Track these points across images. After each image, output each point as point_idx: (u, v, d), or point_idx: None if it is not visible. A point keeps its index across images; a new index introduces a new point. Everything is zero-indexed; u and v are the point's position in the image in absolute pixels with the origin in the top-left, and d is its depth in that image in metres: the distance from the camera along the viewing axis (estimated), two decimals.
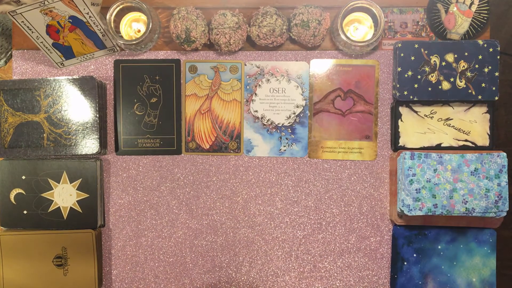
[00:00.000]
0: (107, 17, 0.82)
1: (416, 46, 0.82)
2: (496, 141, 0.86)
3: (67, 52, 0.86)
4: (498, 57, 0.81)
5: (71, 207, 0.85)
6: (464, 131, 0.84)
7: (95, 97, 0.84)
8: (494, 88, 0.82)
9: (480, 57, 0.81)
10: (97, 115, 0.84)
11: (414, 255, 0.83)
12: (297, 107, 0.87)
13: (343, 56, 0.87)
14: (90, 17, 0.81)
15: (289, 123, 0.87)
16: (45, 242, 0.84)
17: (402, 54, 0.82)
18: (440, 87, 0.82)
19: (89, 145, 0.84)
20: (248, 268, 0.87)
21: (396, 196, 0.82)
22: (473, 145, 0.84)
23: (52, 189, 0.85)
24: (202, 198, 0.88)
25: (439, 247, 0.83)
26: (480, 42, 0.82)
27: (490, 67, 0.81)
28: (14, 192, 0.85)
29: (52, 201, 0.85)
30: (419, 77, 0.82)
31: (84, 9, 0.79)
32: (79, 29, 0.83)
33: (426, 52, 0.82)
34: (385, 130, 0.87)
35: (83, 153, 0.84)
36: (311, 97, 0.87)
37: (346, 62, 0.87)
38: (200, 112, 0.88)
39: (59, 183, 0.85)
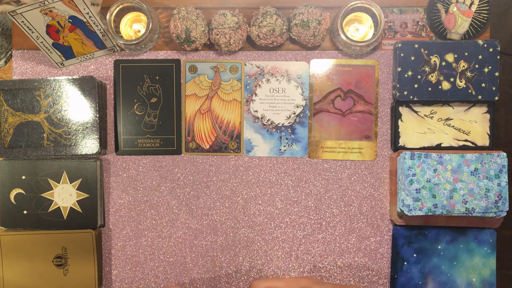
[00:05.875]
0: (107, 17, 0.82)
1: (416, 46, 0.82)
2: (496, 141, 0.86)
3: (67, 52, 0.86)
4: (498, 57, 0.81)
5: (71, 207, 0.85)
6: (464, 131, 0.84)
7: (95, 97, 0.84)
8: (494, 88, 0.82)
9: (480, 57, 0.81)
10: (97, 115, 0.84)
11: (414, 255, 0.83)
12: (297, 107, 0.87)
13: (343, 56, 0.87)
14: (90, 17, 0.81)
15: (289, 123, 0.87)
16: (45, 242, 0.84)
17: (402, 54, 0.82)
18: (440, 87, 0.82)
19: (89, 145, 0.84)
20: (248, 268, 0.88)
21: (396, 196, 0.82)
22: (473, 145, 0.84)
23: (52, 189, 0.85)
24: (202, 198, 0.88)
25: (439, 247, 0.83)
26: (480, 42, 0.82)
27: (490, 67, 0.81)
28: (14, 192, 0.85)
29: (52, 201, 0.85)
30: (419, 77, 0.82)
31: (84, 9, 0.79)
32: (79, 29, 0.83)
33: (426, 52, 0.82)
34: (385, 130, 0.87)
35: (83, 153, 0.84)
36: (311, 97, 0.87)
37: (346, 62, 0.87)
38: (200, 112, 0.88)
39: (59, 183, 0.85)
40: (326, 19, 0.82)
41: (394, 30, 0.87)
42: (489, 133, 0.84)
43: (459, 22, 0.84)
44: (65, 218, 0.85)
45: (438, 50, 0.82)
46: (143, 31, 0.86)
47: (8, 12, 0.77)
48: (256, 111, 0.88)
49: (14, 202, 0.85)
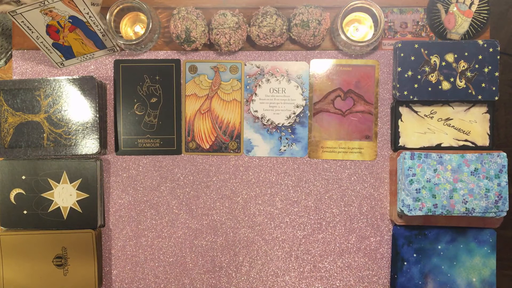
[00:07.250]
0: (107, 17, 0.82)
1: (416, 46, 0.82)
2: (496, 141, 0.86)
3: (67, 52, 0.86)
4: (498, 57, 0.81)
5: (71, 207, 0.85)
6: (464, 131, 0.84)
7: (95, 97, 0.84)
8: (494, 88, 0.82)
9: (480, 57, 0.81)
10: (97, 115, 0.84)
11: (414, 255, 0.83)
12: (297, 107, 0.87)
13: (343, 56, 0.87)
14: (90, 17, 0.81)
15: (289, 123, 0.87)
16: (45, 242, 0.84)
17: (402, 54, 0.82)
18: (440, 87, 0.82)
19: (89, 145, 0.84)
20: (248, 268, 0.88)
21: (396, 196, 0.82)
22: (473, 145, 0.84)
23: (52, 189, 0.85)
24: (202, 198, 0.88)
25: (439, 247, 0.83)
26: (480, 42, 0.82)
27: (490, 67, 0.81)
28: (14, 192, 0.85)
29: (52, 201, 0.85)
30: (419, 77, 0.82)
31: (84, 9, 0.79)
32: (79, 29, 0.83)
33: (426, 52, 0.82)
34: (385, 130, 0.87)
35: (83, 153, 0.84)
36: (311, 97, 0.87)
37: (346, 62, 0.87)
38: (200, 112, 0.88)
39: (59, 183, 0.85)
40: (326, 19, 0.82)
41: (394, 30, 0.87)
42: (489, 133, 0.84)
43: (459, 22, 0.84)
44: (65, 218, 0.85)
45: (438, 50, 0.82)
46: (143, 31, 0.86)
47: (8, 12, 0.77)
48: (256, 111, 0.88)
49: (14, 202, 0.85)
